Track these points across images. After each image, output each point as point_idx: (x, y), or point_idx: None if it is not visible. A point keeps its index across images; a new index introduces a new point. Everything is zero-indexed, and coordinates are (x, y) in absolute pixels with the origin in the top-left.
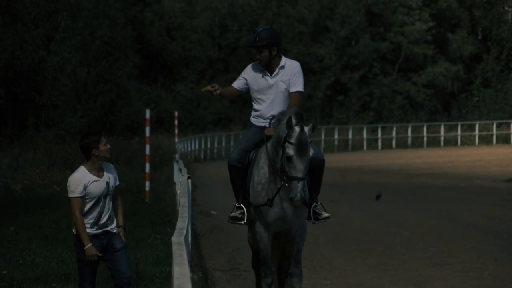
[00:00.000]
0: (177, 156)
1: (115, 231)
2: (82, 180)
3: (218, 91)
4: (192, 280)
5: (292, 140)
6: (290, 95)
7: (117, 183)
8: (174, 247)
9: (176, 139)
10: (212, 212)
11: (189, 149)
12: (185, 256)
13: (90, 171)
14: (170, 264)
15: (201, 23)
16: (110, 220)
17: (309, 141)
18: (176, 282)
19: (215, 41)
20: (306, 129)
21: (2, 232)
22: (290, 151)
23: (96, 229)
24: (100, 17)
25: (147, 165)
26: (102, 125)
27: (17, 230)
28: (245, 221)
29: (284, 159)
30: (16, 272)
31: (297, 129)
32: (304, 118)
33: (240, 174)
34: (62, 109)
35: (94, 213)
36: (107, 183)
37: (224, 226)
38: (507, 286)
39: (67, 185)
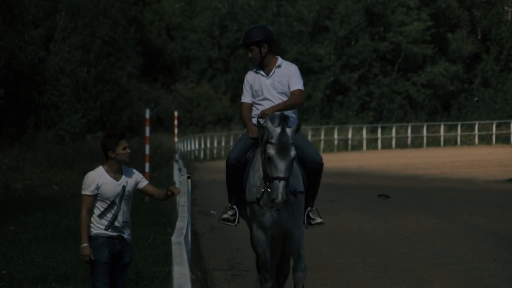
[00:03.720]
0: (176, 156)
1: (129, 240)
2: (97, 179)
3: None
4: (192, 280)
5: (273, 140)
6: (291, 93)
7: (144, 183)
8: (174, 247)
9: (176, 139)
10: (212, 212)
11: (189, 149)
12: (185, 256)
13: (107, 172)
14: (169, 264)
15: (201, 23)
16: (126, 226)
17: (291, 142)
18: (175, 282)
19: (215, 41)
20: (288, 130)
21: (2, 232)
22: (271, 151)
23: (111, 231)
24: (101, 17)
25: (147, 165)
26: (102, 125)
27: (17, 230)
28: (235, 224)
29: (266, 161)
30: (16, 272)
31: (278, 129)
32: (289, 121)
33: (237, 173)
34: (62, 109)
35: (108, 216)
36: (124, 187)
37: (223, 226)
38: (507, 286)
39: (83, 181)
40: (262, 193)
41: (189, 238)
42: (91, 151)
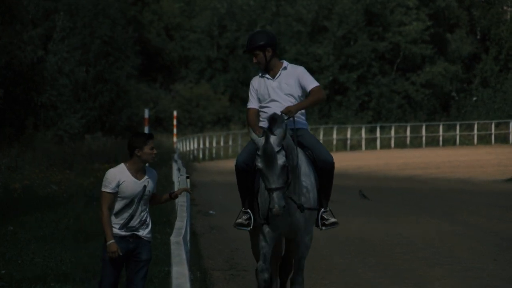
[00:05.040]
0: (175, 155)
1: (146, 238)
2: (118, 176)
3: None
4: (191, 280)
5: (259, 152)
6: (310, 91)
7: (155, 191)
8: (173, 247)
9: (175, 139)
10: (211, 212)
11: (188, 148)
12: (184, 256)
13: (129, 169)
14: (169, 264)
15: (200, 23)
16: (142, 225)
17: (277, 150)
18: (174, 282)
19: (214, 41)
20: (273, 138)
21: (1, 232)
22: (259, 163)
23: (125, 231)
24: (100, 16)
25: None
26: (101, 125)
27: (16, 229)
28: (251, 227)
29: (259, 172)
30: (15, 272)
31: (262, 139)
32: (279, 123)
33: (247, 177)
34: (61, 109)
35: (125, 215)
36: (145, 186)
37: (222, 226)
38: (507, 286)
39: (104, 178)
40: (267, 210)
41: (188, 238)
42: (90, 151)
